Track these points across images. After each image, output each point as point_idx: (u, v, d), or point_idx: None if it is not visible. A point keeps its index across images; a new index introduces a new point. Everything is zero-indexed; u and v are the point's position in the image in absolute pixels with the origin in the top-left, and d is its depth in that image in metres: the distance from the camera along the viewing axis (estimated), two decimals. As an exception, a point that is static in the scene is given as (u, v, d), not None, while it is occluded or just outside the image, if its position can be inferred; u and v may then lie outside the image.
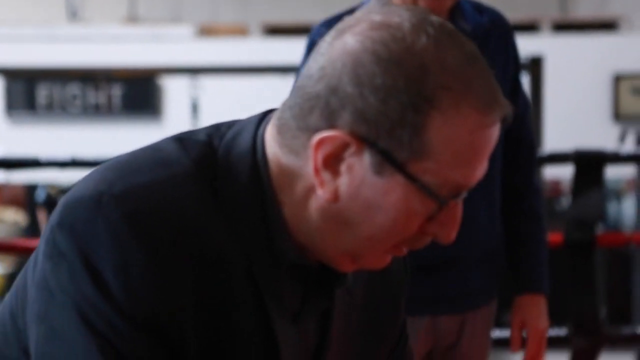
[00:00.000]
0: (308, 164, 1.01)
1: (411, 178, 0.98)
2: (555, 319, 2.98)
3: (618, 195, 7.17)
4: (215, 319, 1.00)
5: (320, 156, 0.99)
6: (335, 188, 1.00)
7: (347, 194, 1.00)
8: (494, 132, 1.00)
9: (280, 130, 1.03)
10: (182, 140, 1.06)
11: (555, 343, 3.60)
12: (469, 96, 0.98)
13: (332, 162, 0.99)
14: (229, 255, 1.01)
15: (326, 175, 0.99)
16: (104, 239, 0.98)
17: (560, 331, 3.55)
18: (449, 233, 1.02)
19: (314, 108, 1.00)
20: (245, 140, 1.04)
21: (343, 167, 0.99)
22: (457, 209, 1.02)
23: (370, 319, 1.16)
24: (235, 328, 1.01)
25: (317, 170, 1.00)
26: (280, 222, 1.03)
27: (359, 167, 0.99)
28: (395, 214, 0.99)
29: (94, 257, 0.98)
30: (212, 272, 1.00)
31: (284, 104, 1.04)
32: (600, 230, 4.56)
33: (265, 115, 1.07)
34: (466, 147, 0.99)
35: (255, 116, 1.07)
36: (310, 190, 1.01)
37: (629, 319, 5.19)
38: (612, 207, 7.15)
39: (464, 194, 1.01)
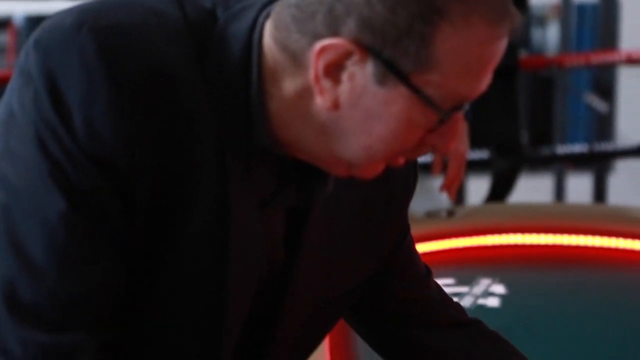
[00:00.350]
0: (306, 68, 0.98)
1: (415, 89, 0.96)
2: (478, 143, 3.05)
3: (542, 21, 7.21)
4: (173, 180, 0.99)
5: (321, 64, 0.96)
6: (336, 96, 0.97)
7: (348, 103, 0.98)
8: (503, 44, 0.98)
9: (278, 27, 1.00)
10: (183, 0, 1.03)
11: (477, 166, 3.71)
12: (480, 7, 0.96)
13: (333, 71, 0.97)
14: (201, 121, 0.99)
15: (326, 83, 0.97)
16: (74, 68, 0.96)
17: (482, 154, 3.65)
18: (448, 144, 1.01)
19: (317, 13, 0.96)
20: (247, 19, 1.01)
21: (344, 76, 0.97)
22: (458, 120, 1.01)
23: (364, 227, 1.14)
24: (192, 197, 0.99)
25: (317, 78, 0.97)
26: (262, 110, 1.00)
27: (361, 76, 0.96)
28: (395, 125, 0.98)
29: (61, 84, 0.96)
30: (180, 132, 0.98)
31: (283, 1, 1.00)
32: (523, 55, 4.61)
33: (271, 1, 1.03)
34: (473, 60, 0.97)
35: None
36: (304, 93, 0.99)
37: (549, 141, 5.33)
38: (536, 33, 7.20)
39: (467, 106, 1.00)
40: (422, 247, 1.52)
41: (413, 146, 1.00)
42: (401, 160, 1.03)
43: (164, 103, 0.97)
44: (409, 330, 1.23)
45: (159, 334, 1.03)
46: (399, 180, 1.16)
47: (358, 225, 1.13)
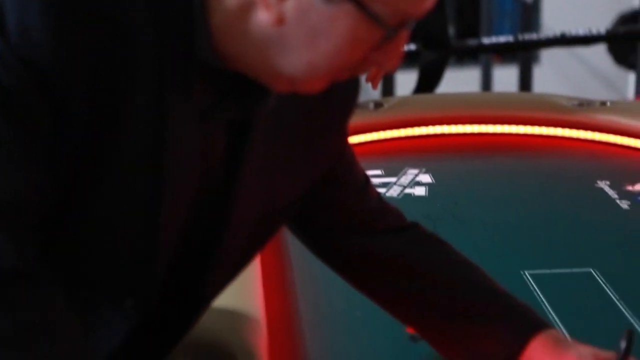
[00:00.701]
0: None
1: (361, 5, 0.94)
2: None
3: None
4: (108, 90, 0.96)
5: None
6: (281, 12, 0.95)
7: (293, 19, 0.95)
8: None
9: None
10: None
11: (405, 58, 3.72)
12: None
13: None
14: (139, 32, 0.96)
15: None
16: None
17: (410, 47, 3.66)
18: (393, 62, 0.99)
19: None
20: None
21: None
22: (403, 38, 0.99)
23: (306, 140, 1.14)
24: (128, 108, 0.97)
25: None
26: (204, 23, 0.98)
27: None
28: (340, 42, 0.96)
29: None
30: (117, 42, 0.96)
31: None
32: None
33: None
34: None
35: None
36: (248, 7, 0.96)
37: (476, 34, 5.35)
38: None
39: (412, 24, 0.98)
40: (350, 139, 1.54)
41: (357, 63, 0.99)
42: (345, 76, 1.02)
43: (101, 11, 0.95)
44: (351, 238, 1.25)
45: (92, 241, 1.03)
46: (341, 95, 1.16)
47: (300, 138, 1.13)
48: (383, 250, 1.25)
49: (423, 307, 1.24)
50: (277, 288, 1.53)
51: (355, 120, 1.22)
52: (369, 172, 1.31)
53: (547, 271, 1.59)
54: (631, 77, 5.66)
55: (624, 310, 1.45)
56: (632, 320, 1.42)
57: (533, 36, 4.23)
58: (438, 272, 1.24)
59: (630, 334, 1.12)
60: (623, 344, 1.11)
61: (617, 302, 1.48)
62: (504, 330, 1.18)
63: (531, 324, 1.19)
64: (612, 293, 1.51)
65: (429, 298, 1.23)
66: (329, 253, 1.28)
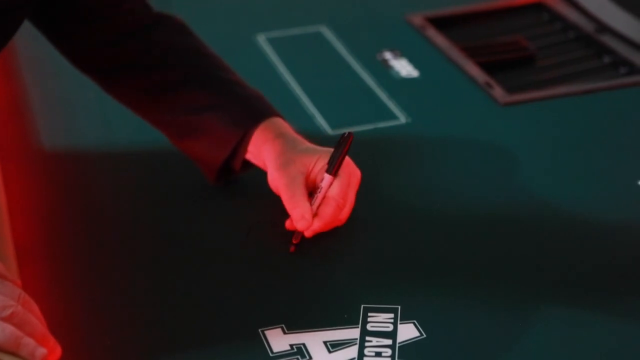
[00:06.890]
0: None
1: None
2: None
3: None
4: None
5: None
6: None
7: None
8: None
9: None
10: None
11: None
12: None
13: None
14: None
15: None
16: None
17: None
18: None
19: None
20: None
21: None
22: None
23: None
24: None
25: None
26: None
27: None
28: None
29: None
30: None
31: None
32: None
33: None
34: None
35: None
36: None
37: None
38: None
39: None
40: None
41: None
42: None
43: None
44: (103, 37, 1.18)
45: None
46: None
47: None
48: (138, 45, 1.19)
49: (156, 104, 1.20)
50: (1, 74, 1.47)
51: None
52: None
53: (281, 33, 1.60)
54: None
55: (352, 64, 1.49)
56: (359, 70, 1.46)
57: None
58: (172, 67, 1.19)
59: (350, 135, 1.09)
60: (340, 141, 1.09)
61: (346, 57, 1.52)
62: (228, 120, 1.16)
63: (256, 113, 1.16)
64: (342, 49, 1.54)
65: (161, 96, 1.19)
66: (88, 59, 1.21)
